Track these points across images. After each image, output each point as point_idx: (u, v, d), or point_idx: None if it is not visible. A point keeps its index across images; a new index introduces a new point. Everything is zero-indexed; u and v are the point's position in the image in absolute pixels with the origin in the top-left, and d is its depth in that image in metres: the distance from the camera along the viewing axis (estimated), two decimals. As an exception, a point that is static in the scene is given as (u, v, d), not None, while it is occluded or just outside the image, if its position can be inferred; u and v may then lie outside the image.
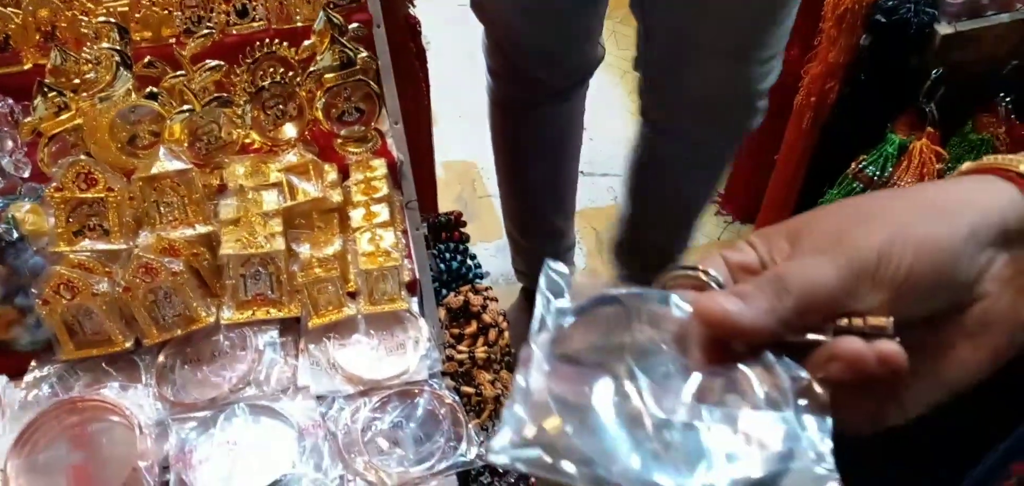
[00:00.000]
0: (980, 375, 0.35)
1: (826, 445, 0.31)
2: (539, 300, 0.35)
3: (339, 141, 1.00)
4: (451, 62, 1.98)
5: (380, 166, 0.96)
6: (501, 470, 0.97)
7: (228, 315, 0.89)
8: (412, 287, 0.94)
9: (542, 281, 0.35)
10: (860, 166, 1.57)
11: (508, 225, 1.71)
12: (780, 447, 0.30)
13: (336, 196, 0.93)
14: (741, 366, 0.32)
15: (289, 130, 0.99)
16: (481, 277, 1.13)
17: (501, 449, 0.30)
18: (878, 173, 1.55)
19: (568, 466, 0.29)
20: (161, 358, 0.88)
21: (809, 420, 0.31)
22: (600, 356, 0.33)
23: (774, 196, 1.82)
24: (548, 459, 0.29)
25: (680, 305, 0.34)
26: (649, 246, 1.68)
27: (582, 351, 0.33)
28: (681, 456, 0.30)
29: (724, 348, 0.33)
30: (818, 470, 0.30)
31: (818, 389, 0.32)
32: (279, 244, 0.88)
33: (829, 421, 0.31)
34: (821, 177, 1.64)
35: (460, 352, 1.03)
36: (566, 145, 1.58)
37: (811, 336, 0.33)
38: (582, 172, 2.14)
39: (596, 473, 0.29)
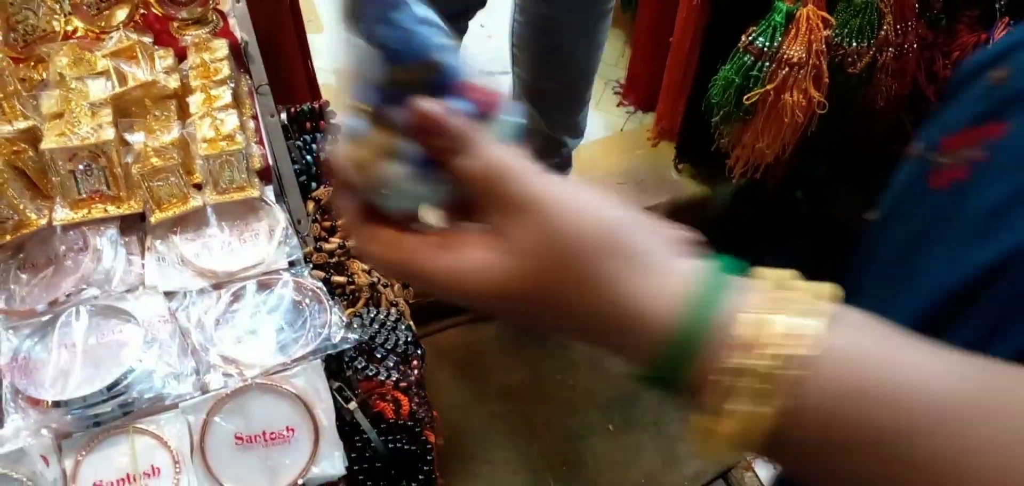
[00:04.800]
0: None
1: None
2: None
3: (176, 25, 0.92)
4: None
5: (221, 47, 0.89)
6: (379, 355, 0.94)
7: (62, 215, 0.82)
8: (265, 175, 0.89)
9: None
10: (750, 38, 1.56)
11: None
12: None
13: (172, 82, 0.86)
14: None
15: (118, 15, 0.91)
16: (354, 168, 1.08)
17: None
18: (767, 43, 1.54)
19: None
20: (-8, 268, 0.81)
21: None
22: None
23: (672, 80, 1.80)
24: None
25: None
26: (544, 123, 1.65)
27: None
28: None
29: None
30: None
31: None
32: (108, 134, 0.81)
33: None
34: (715, 55, 1.63)
35: (331, 243, 0.98)
36: None
37: None
38: (481, 71, 2.10)
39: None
